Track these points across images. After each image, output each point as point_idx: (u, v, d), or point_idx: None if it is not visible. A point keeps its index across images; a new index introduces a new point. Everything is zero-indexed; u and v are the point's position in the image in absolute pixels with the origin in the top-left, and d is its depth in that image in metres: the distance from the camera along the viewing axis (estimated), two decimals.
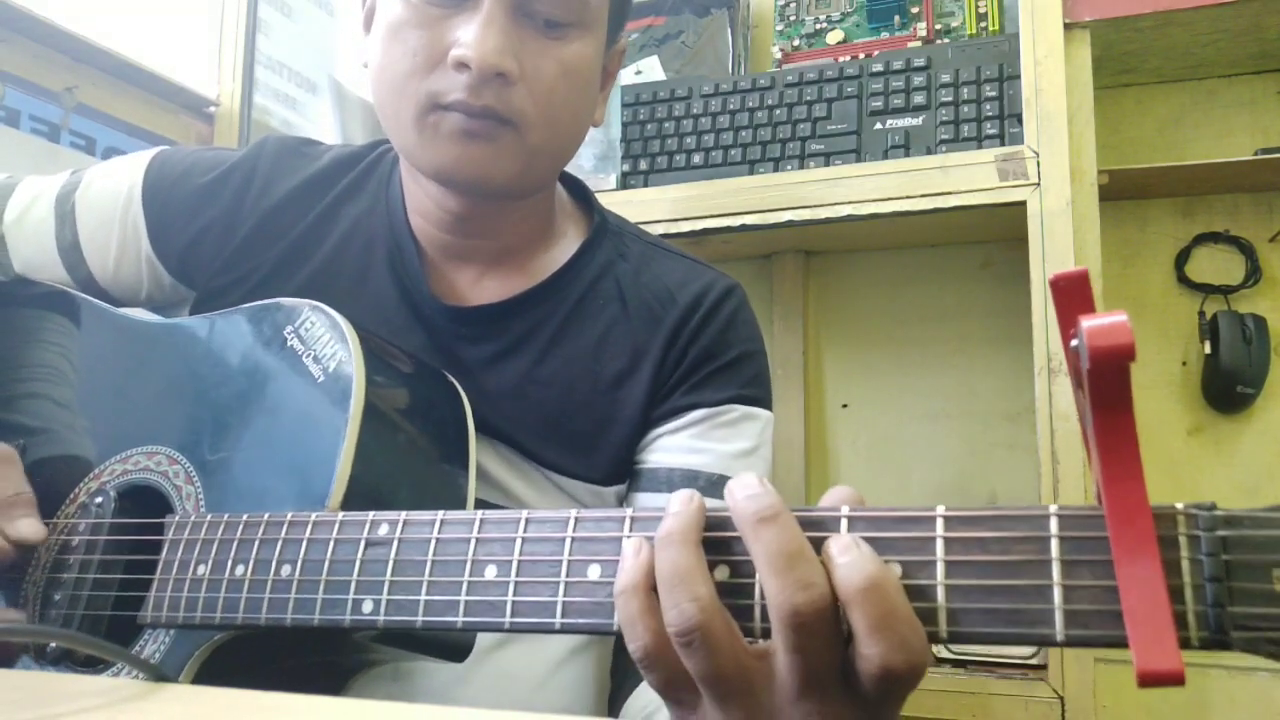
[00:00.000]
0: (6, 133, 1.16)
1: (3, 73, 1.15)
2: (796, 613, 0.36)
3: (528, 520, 0.44)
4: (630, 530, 0.42)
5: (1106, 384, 0.32)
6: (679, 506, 0.40)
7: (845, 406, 1.43)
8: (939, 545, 0.37)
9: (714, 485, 0.68)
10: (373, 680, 0.62)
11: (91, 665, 0.56)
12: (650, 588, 0.39)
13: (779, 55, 1.39)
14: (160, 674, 0.47)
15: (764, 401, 0.74)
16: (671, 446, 0.70)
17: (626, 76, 1.42)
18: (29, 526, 0.58)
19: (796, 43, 1.38)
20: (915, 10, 1.31)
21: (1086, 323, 0.31)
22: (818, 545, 0.38)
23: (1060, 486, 0.98)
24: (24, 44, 1.17)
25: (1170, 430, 1.28)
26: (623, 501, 0.72)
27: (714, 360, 0.71)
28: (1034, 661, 1.03)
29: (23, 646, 0.57)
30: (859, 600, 0.36)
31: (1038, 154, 1.05)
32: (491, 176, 0.64)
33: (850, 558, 0.36)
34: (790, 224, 1.16)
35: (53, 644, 0.57)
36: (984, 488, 1.34)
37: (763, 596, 0.38)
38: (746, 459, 0.71)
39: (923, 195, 1.09)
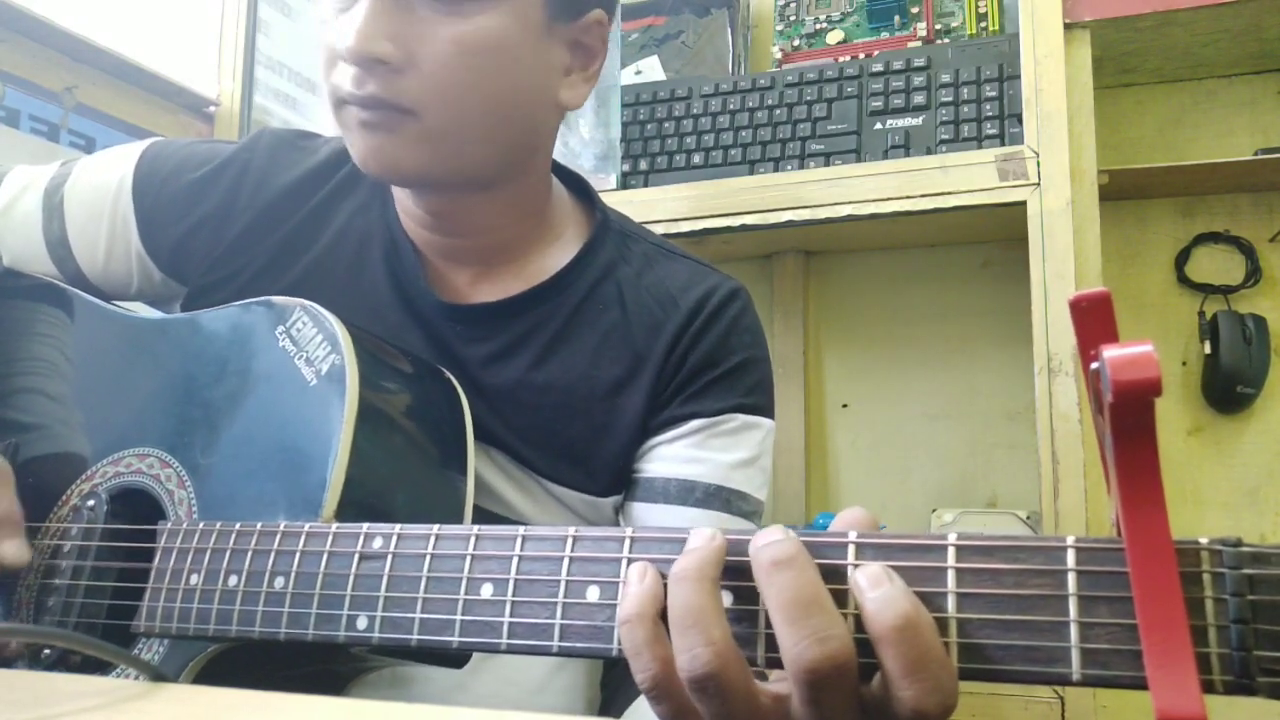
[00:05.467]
0: (6, 133, 1.16)
1: (3, 73, 1.15)
2: (812, 669, 0.34)
3: (525, 538, 0.43)
4: (630, 550, 0.41)
5: (1130, 417, 0.31)
6: (699, 543, 0.38)
7: (845, 406, 1.43)
8: (950, 576, 0.36)
9: (711, 496, 0.67)
10: (370, 687, 0.61)
11: (86, 669, 0.55)
12: (657, 616, 0.38)
13: (779, 55, 1.39)
14: (160, 674, 0.47)
15: (765, 410, 0.72)
16: (669, 456, 0.68)
17: (626, 76, 1.42)
18: (13, 549, 0.57)
19: (796, 43, 1.38)
20: (915, 10, 1.31)
21: (1110, 353, 0.30)
22: (837, 573, 0.36)
23: (1060, 487, 0.98)
24: (24, 44, 1.17)
25: (1170, 430, 1.28)
26: (619, 511, 0.71)
27: (714, 368, 0.69)
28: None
29: (17, 652, 0.57)
30: (893, 640, 0.34)
31: (1038, 154, 1.05)
32: (400, 166, 0.62)
33: (881, 592, 0.35)
34: (790, 224, 1.16)
35: (47, 650, 0.56)
36: (984, 488, 1.34)
37: (768, 625, 0.37)
38: (746, 469, 0.69)
39: (923, 195, 1.09)
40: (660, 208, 1.22)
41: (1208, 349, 1.25)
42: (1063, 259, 1.02)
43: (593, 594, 0.41)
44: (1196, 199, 1.30)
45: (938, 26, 1.29)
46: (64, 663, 0.56)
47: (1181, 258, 1.30)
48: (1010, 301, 1.30)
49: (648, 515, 0.67)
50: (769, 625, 0.36)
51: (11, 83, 1.16)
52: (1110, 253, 1.30)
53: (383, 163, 0.62)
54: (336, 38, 0.60)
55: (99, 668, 0.54)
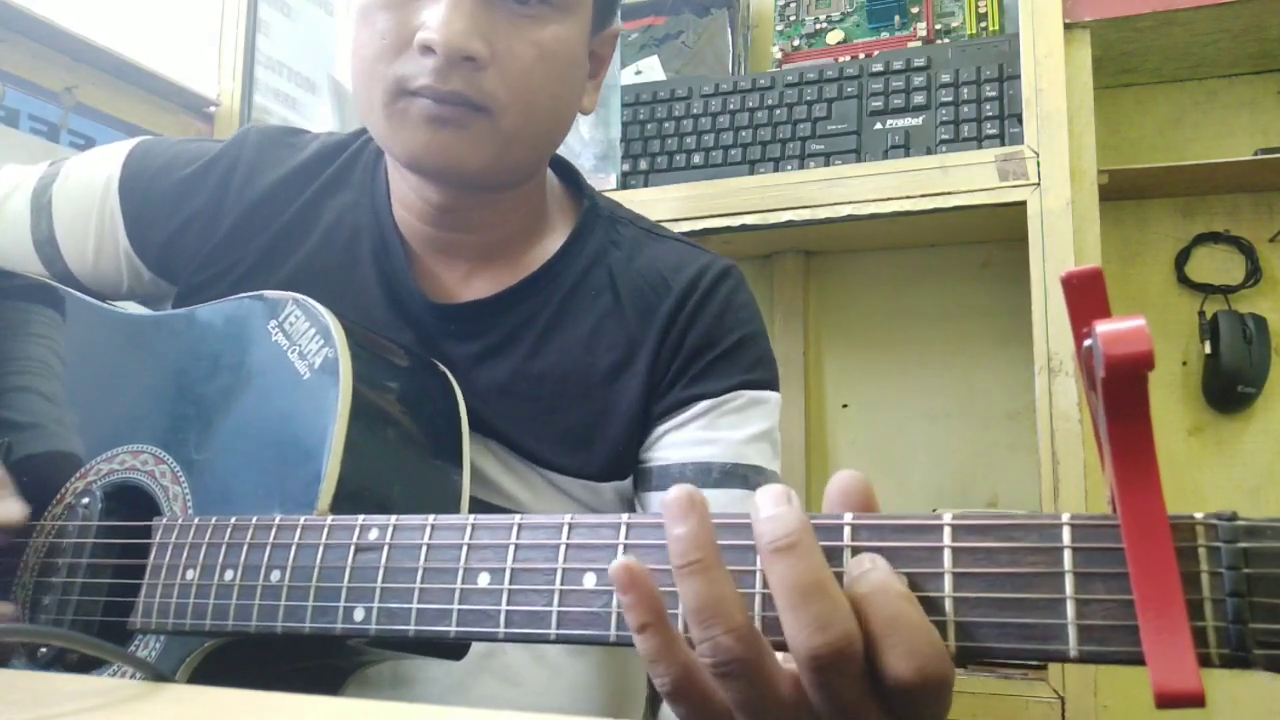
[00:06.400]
0: (6, 133, 1.15)
1: (3, 73, 1.15)
2: (815, 655, 0.34)
3: (521, 526, 0.43)
4: (626, 536, 0.41)
5: (1123, 392, 0.31)
6: (691, 525, 0.37)
7: (845, 406, 1.43)
8: (946, 556, 0.36)
9: (728, 474, 0.66)
10: (371, 688, 0.61)
11: (84, 668, 0.55)
12: (665, 618, 0.37)
13: (779, 55, 1.39)
14: (159, 674, 0.47)
15: (770, 383, 0.72)
16: (680, 441, 0.68)
17: (626, 76, 1.42)
18: (9, 507, 0.57)
19: (796, 43, 1.38)
20: (915, 10, 1.31)
21: (1102, 328, 0.30)
22: (834, 554, 0.37)
23: (1060, 486, 0.98)
24: (23, 44, 1.17)
25: (1170, 430, 1.28)
26: (631, 503, 0.70)
27: (713, 348, 0.69)
28: (1034, 661, 1.03)
29: (14, 648, 0.57)
30: (862, 607, 0.35)
31: (1038, 154, 1.05)
32: (463, 164, 0.62)
33: (862, 571, 0.36)
34: (790, 224, 1.16)
35: (44, 648, 0.56)
36: (984, 488, 1.34)
37: (764, 585, 0.37)
38: (758, 443, 0.69)
39: (923, 195, 1.09)
40: (660, 208, 1.22)
41: (1208, 349, 1.25)
42: (1063, 259, 1.02)
43: (589, 580, 0.41)
44: (1196, 199, 1.30)
45: (938, 26, 1.29)
46: (61, 661, 0.56)
47: (1181, 258, 1.30)
48: (1010, 301, 1.30)
49: None
50: (766, 583, 0.36)
51: (11, 83, 1.16)
52: (1110, 253, 1.30)
53: (447, 158, 0.62)
54: (409, 29, 0.60)
55: (97, 667, 0.54)
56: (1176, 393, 1.29)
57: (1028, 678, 1.01)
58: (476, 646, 0.57)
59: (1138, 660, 0.32)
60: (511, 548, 0.43)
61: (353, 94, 0.67)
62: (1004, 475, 1.33)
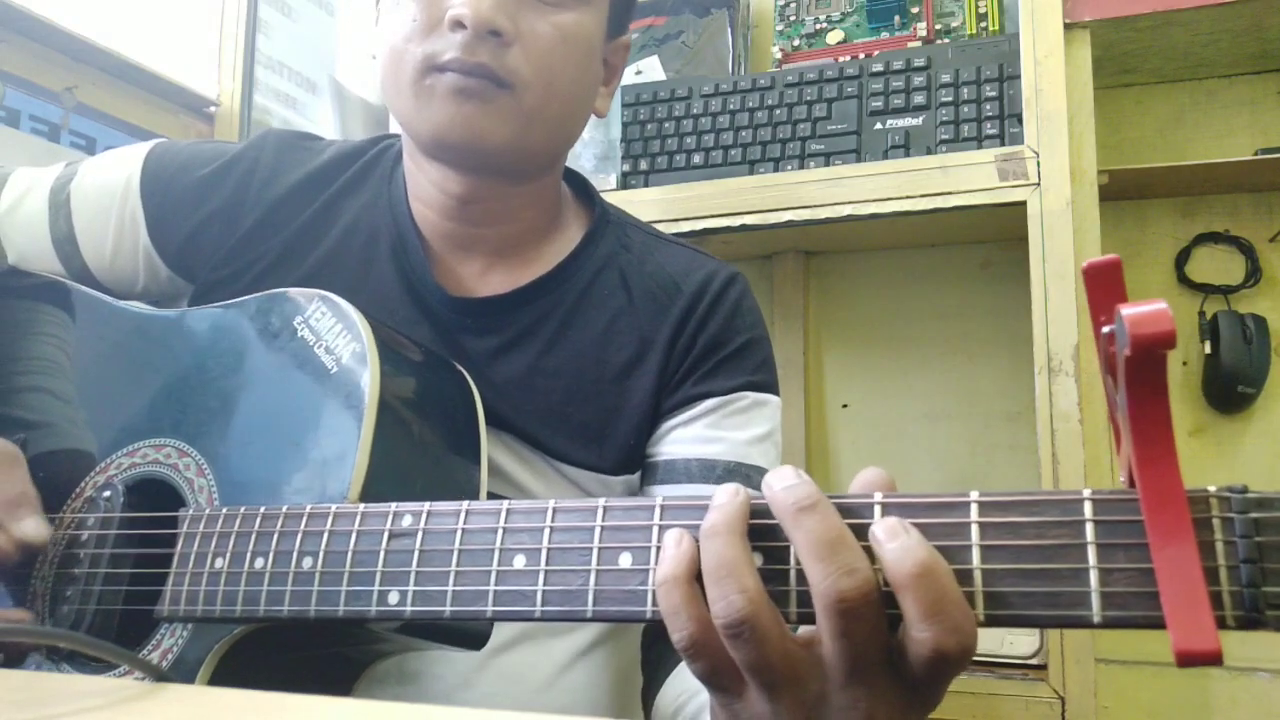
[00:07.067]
0: (6, 133, 1.15)
1: (3, 73, 1.15)
2: (841, 599, 0.36)
3: (555, 510, 0.44)
4: (660, 518, 0.42)
5: (1145, 371, 0.33)
6: (724, 499, 0.40)
7: (845, 406, 1.43)
8: (973, 530, 0.38)
9: (731, 472, 0.69)
10: (378, 684, 0.62)
11: (97, 665, 0.56)
12: (693, 578, 0.40)
13: (779, 55, 1.39)
14: (162, 675, 0.47)
15: (772, 387, 0.75)
16: (686, 437, 0.70)
17: (627, 76, 1.42)
18: (33, 526, 0.58)
19: (796, 43, 1.38)
20: (915, 10, 1.31)
21: (1127, 310, 0.31)
22: (860, 531, 0.38)
23: (1060, 486, 0.98)
24: (24, 44, 1.17)
25: None
26: (634, 493, 0.72)
27: (722, 349, 0.72)
28: (1034, 661, 1.03)
29: (32, 646, 0.57)
30: (911, 585, 0.36)
31: (1038, 154, 1.05)
32: (485, 139, 0.64)
33: (899, 542, 0.37)
34: (790, 224, 1.16)
35: (61, 644, 0.57)
36: (984, 488, 1.34)
37: (799, 582, 0.39)
38: (761, 444, 0.71)
39: (923, 195, 1.09)
40: (660, 208, 1.22)
41: (1208, 349, 1.25)
42: (1063, 259, 1.02)
43: (625, 560, 0.42)
44: (1196, 199, 1.30)
45: (938, 26, 1.29)
46: (82, 654, 0.56)
47: (1181, 258, 1.30)
48: (1010, 301, 1.30)
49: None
50: (800, 581, 0.38)
51: (11, 83, 1.16)
52: (1110, 252, 1.29)
53: (470, 132, 0.64)
54: (439, 10, 0.63)
55: (110, 665, 0.54)
56: (1177, 393, 1.29)
57: (1028, 678, 1.01)
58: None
59: (1158, 624, 0.34)
60: (547, 530, 0.44)
61: (381, 86, 0.69)
62: (1004, 475, 1.33)
